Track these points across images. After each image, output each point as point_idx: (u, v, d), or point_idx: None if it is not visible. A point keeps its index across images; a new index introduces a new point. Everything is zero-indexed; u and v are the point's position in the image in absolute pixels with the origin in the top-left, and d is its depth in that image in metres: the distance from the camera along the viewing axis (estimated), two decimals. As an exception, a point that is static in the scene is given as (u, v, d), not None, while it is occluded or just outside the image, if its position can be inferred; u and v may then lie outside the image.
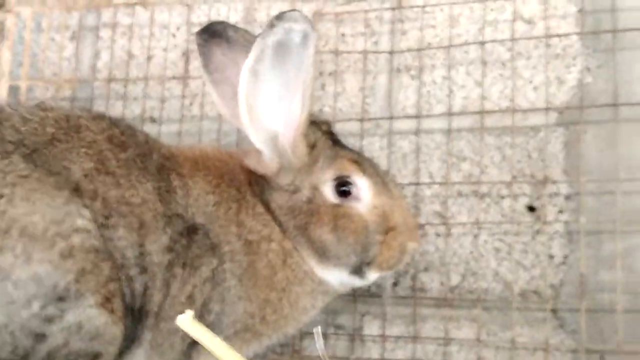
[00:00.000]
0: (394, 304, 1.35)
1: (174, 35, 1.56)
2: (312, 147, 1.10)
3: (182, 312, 0.89)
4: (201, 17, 1.55)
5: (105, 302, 0.91)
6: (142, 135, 1.10)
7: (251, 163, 1.11)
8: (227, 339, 0.99)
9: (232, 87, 1.10)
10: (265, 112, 1.05)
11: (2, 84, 1.50)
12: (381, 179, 1.12)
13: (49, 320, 0.87)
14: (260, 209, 1.09)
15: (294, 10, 0.98)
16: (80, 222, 0.91)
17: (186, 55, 1.53)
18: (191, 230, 1.04)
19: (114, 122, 1.07)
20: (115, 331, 0.93)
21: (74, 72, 1.59)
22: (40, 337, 0.87)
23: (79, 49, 1.61)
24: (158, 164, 1.06)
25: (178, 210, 1.04)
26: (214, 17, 1.54)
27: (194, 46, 1.53)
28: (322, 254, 1.08)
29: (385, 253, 1.09)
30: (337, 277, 1.10)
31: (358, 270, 1.09)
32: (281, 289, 1.08)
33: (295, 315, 1.11)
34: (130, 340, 0.99)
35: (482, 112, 1.33)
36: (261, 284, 1.07)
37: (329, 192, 1.08)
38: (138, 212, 0.99)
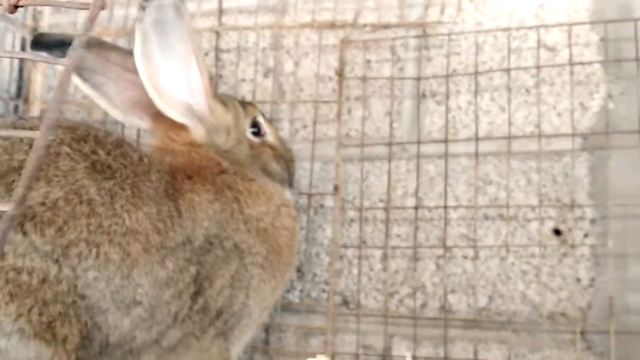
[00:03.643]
0: (422, 326, 1.37)
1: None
2: (225, 105, 1.23)
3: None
4: (229, 43, 1.59)
5: (42, 332, 0.83)
6: (136, 153, 1.04)
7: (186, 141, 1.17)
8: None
9: (114, 85, 1.22)
10: (171, 88, 1.12)
11: (35, 108, 1.53)
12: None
13: None
14: (250, 185, 1.16)
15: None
16: None
17: (214, 79, 1.56)
18: (204, 249, 1.03)
19: (100, 143, 0.99)
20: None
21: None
22: None
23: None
24: (158, 186, 1.02)
25: (182, 238, 1.01)
26: (242, 44, 1.57)
27: (221, 71, 1.57)
28: (280, 180, 1.26)
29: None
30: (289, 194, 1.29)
31: (291, 182, 1.33)
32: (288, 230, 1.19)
33: (294, 242, 1.22)
34: None
35: (509, 137, 1.37)
36: (283, 250, 1.16)
37: (251, 136, 1.26)
38: (121, 242, 0.93)
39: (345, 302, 1.43)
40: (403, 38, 1.47)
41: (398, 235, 1.42)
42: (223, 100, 1.24)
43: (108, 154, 0.98)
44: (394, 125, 1.46)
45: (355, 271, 1.43)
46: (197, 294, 1.01)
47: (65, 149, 0.94)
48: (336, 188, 1.39)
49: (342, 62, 1.43)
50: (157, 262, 0.96)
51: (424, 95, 1.45)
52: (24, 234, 0.84)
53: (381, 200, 1.44)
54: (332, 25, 1.46)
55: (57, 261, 0.86)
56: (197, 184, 1.08)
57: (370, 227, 1.44)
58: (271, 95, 1.54)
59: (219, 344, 1.06)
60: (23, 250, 0.84)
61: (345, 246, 1.44)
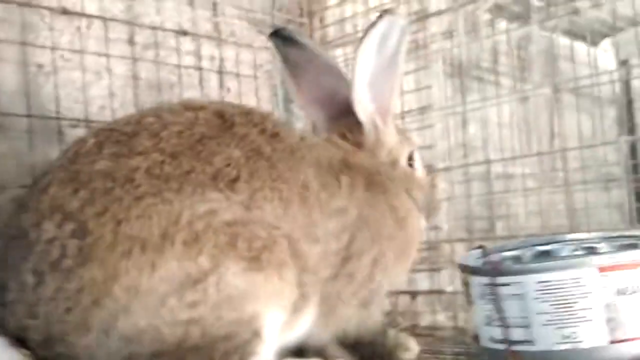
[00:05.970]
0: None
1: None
2: (397, 128, 1.35)
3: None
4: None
5: (252, 264, 0.95)
6: (296, 133, 1.19)
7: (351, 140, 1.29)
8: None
9: (306, 80, 1.36)
10: (371, 92, 1.25)
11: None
12: None
13: (193, 305, 0.90)
14: (395, 189, 1.27)
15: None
16: (202, 208, 0.94)
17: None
18: (355, 226, 1.15)
19: (265, 117, 1.14)
20: (270, 287, 0.97)
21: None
22: (190, 322, 0.90)
23: None
24: (323, 158, 1.17)
25: (341, 205, 1.14)
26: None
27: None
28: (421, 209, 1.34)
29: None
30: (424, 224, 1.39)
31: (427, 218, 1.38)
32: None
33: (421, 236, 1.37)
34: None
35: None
36: (410, 246, 1.28)
37: (404, 164, 1.34)
38: (298, 192, 1.06)
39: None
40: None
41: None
42: (396, 124, 1.35)
43: (274, 126, 1.13)
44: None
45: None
46: (346, 260, 1.13)
47: (237, 119, 1.09)
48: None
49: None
50: (326, 215, 1.10)
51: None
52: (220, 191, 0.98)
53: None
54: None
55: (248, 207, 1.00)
56: (354, 172, 1.19)
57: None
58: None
59: (360, 315, 1.19)
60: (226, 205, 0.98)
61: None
